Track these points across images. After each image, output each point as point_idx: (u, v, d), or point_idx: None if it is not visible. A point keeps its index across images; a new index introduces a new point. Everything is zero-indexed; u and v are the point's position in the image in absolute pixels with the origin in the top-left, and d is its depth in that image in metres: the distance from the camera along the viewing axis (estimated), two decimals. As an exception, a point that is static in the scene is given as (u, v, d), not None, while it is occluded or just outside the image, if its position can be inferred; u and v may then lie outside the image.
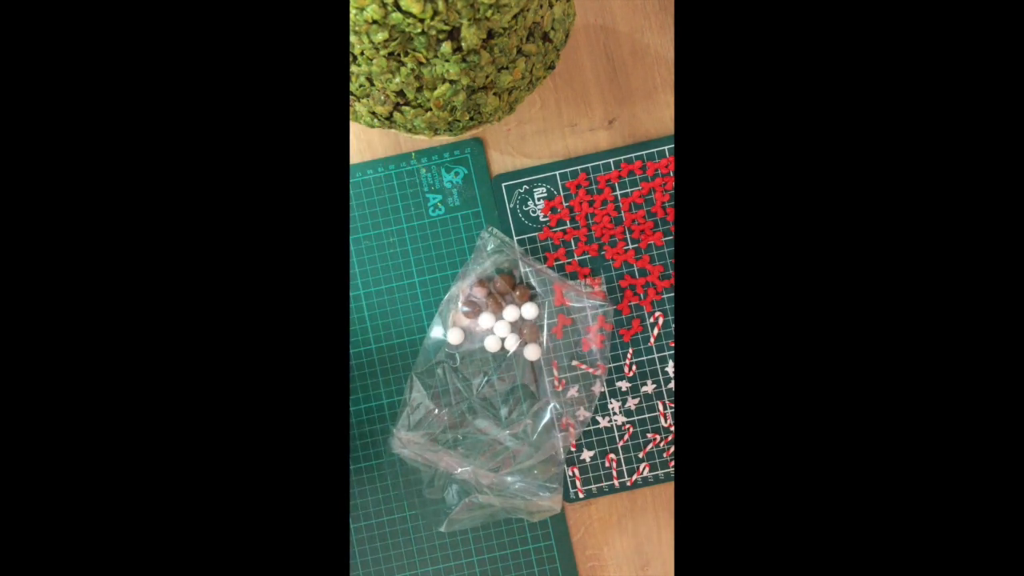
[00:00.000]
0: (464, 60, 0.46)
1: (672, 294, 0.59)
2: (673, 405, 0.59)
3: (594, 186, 0.60)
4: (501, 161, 0.61)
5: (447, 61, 0.46)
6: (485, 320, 0.58)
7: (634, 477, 0.58)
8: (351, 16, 0.44)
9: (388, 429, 0.59)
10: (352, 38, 0.45)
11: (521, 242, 0.60)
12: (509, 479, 0.57)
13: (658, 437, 0.59)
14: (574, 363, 0.59)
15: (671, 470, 0.58)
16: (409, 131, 0.51)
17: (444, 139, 0.60)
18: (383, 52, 0.45)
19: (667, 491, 0.59)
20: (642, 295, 0.59)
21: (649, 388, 0.59)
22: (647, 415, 0.59)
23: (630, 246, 0.59)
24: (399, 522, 0.59)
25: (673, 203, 0.60)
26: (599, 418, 0.59)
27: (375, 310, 0.60)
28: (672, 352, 0.59)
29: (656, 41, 0.61)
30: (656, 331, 0.59)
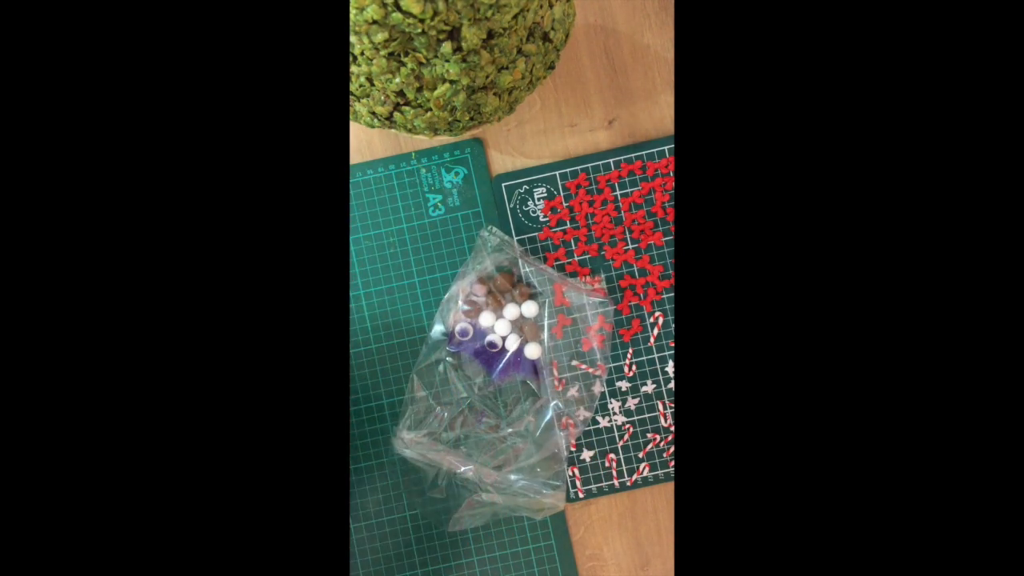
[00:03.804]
0: (464, 60, 0.46)
1: (672, 294, 0.59)
2: (673, 405, 0.59)
3: (594, 186, 0.60)
4: (501, 161, 0.61)
5: (447, 61, 0.46)
6: (485, 319, 0.58)
7: (634, 477, 0.58)
8: (351, 16, 0.44)
9: (389, 429, 0.59)
10: (352, 38, 0.45)
11: (521, 242, 0.60)
12: (512, 477, 0.57)
13: (658, 437, 0.59)
14: (574, 363, 0.59)
15: (671, 470, 0.58)
16: (409, 131, 0.51)
17: (444, 139, 0.60)
18: (383, 52, 0.46)
19: (667, 491, 0.59)
20: (642, 295, 0.59)
21: (649, 388, 0.59)
22: (647, 415, 0.59)
23: (630, 246, 0.59)
24: (399, 522, 0.59)
25: (673, 203, 0.60)
26: (599, 418, 0.59)
27: (375, 310, 0.60)
28: (672, 352, 0.59)
29: (656, 41, 0.61)
30: (656, 331, 0.59)
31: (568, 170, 0.60)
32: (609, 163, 0.60)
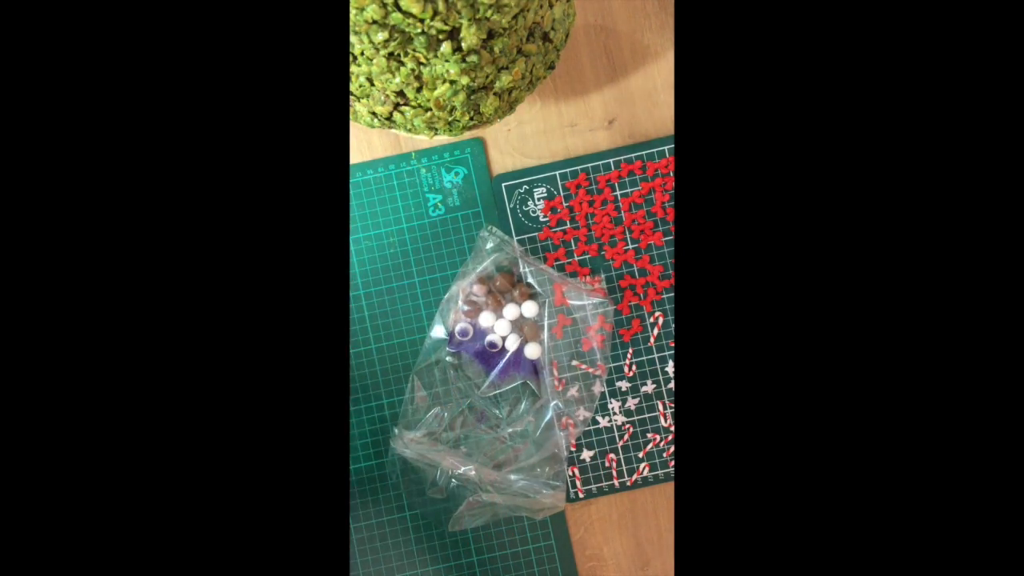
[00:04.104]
0: (464, 60, 0.46)
1: (672, 294, 0.59)
2: (673, 405, 0.59)
3: (594, 186, 0.60)
4: (501, 161, 0.61)
5: (447, 61, 0.46)
6: (485, 319, 0.58)
7: (634, 477, 0.58)
8: (351, 16, 0.44)
9: (388, 429, 0.59)
10: (352, 38, 0.45)
11: (521, 242, 0.60)
12: (512, 477, 0.57)
13: (658, 437, 0.59)
14: (574, 363, 0.59)
15: (671, 470, 0.58)
16: (409, 131, 0.51)
17: (444, 139, 0.60)
18: (383, 52, 0.46)
19: (667, 491, 0.59)
20: (642, 295, 0.59)
21: (649, 388, 0.59)
22: (647, 415, 0.59)
23: (630, 246, 0.59)
24: (399, 522, 0.59)
25: (673, 203, 0.60)
26: (599, 418, 0.59)
27: (375, 310, 0.60)
28: (672, 352, 0.59)
29: (656, 41, 0.61)
30: (656, 331, 0.59)
31: (568, 170, 0.60)
32: (609, 163, 0.60)
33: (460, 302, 0.59)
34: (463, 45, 0.46)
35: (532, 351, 0.58)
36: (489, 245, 0.59)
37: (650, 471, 0.58)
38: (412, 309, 0.60)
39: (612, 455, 0.59)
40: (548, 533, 0.58)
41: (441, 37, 0.45)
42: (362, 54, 0.46)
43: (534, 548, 0.58)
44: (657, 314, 0.59)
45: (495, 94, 0.50)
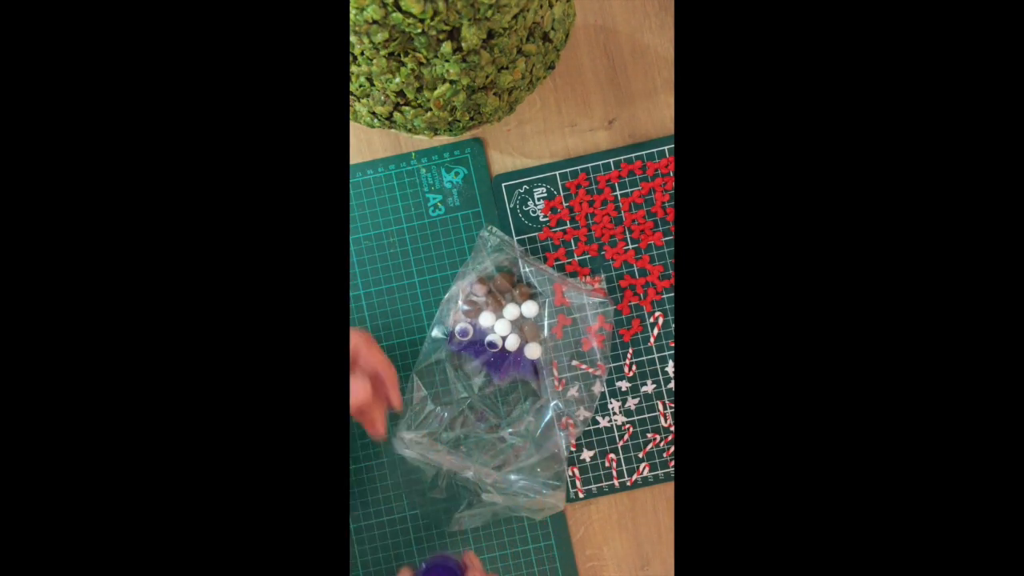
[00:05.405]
0: (464, 60, 0.46)
1: (672, 294, 0.59)
2: (673, 405, 0.59)
3: (594, 186, 0.60)
4: (501, 161, 0.61)
5: (447, 61, 0.46)
6: (485, 319, 0.58)
7: (634, 477, 0.58)
8: (351, 16, 0.44)
9: (389, 429, 0.59)
10: (352, 38, 0.45)
11: (521, 242, 0.60)
12: (512, 477, 0.57)
13: (658, 437, 0.59)
14: (574, 363, 0.59)
15: (671, 470, 0.58)
16: (409, 131, 0.51)
17: (444, 139, 0.60)
18: (383, 52, 0.46)
19: (667, 491, 0.59)
20: (642, 295, 0.59)
21: (649, 388, 0.59)
22: (647, 415, 0.59)
23: (630, 246, 0.59)
24: (399, 522, 0.59)
25: (673, 203, 0.60)
26: (599, 418, 0.59)
27: (375, 310, 0.60)
28: (672, 352, 0.59)
29: (656, 41, 0.61)
30: (656, 331, 0.59)
31: (568, 170, 0.60)
32: (609, 163, 0.60)
33: (460, 302, 0.59)
34: (463, 45, 0.46)
35: (532, 351, 0.58)
36: (489, 245, 0.59)
37: (650, 471, 0.58)
38: (412, 309, 0.60)
39: (612, 455, 0.59)
40: (548, 533, 0.58)
41: (441, 37, 0.45)
42: (362, 54, 0.46)
43: (534, 548, 0.58)
44: (657, 314, 0.59)
45: (495, 94, 0.50)
